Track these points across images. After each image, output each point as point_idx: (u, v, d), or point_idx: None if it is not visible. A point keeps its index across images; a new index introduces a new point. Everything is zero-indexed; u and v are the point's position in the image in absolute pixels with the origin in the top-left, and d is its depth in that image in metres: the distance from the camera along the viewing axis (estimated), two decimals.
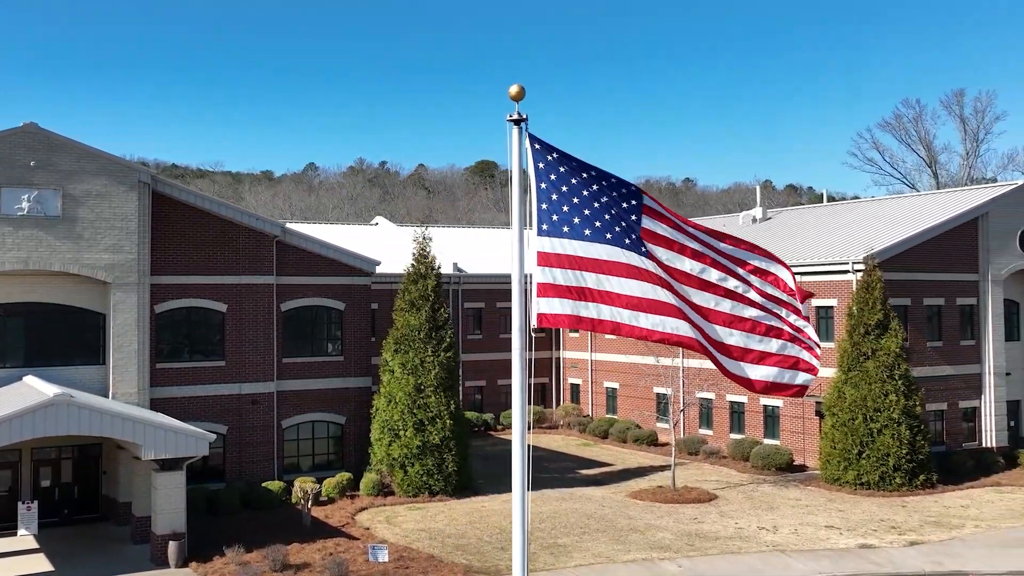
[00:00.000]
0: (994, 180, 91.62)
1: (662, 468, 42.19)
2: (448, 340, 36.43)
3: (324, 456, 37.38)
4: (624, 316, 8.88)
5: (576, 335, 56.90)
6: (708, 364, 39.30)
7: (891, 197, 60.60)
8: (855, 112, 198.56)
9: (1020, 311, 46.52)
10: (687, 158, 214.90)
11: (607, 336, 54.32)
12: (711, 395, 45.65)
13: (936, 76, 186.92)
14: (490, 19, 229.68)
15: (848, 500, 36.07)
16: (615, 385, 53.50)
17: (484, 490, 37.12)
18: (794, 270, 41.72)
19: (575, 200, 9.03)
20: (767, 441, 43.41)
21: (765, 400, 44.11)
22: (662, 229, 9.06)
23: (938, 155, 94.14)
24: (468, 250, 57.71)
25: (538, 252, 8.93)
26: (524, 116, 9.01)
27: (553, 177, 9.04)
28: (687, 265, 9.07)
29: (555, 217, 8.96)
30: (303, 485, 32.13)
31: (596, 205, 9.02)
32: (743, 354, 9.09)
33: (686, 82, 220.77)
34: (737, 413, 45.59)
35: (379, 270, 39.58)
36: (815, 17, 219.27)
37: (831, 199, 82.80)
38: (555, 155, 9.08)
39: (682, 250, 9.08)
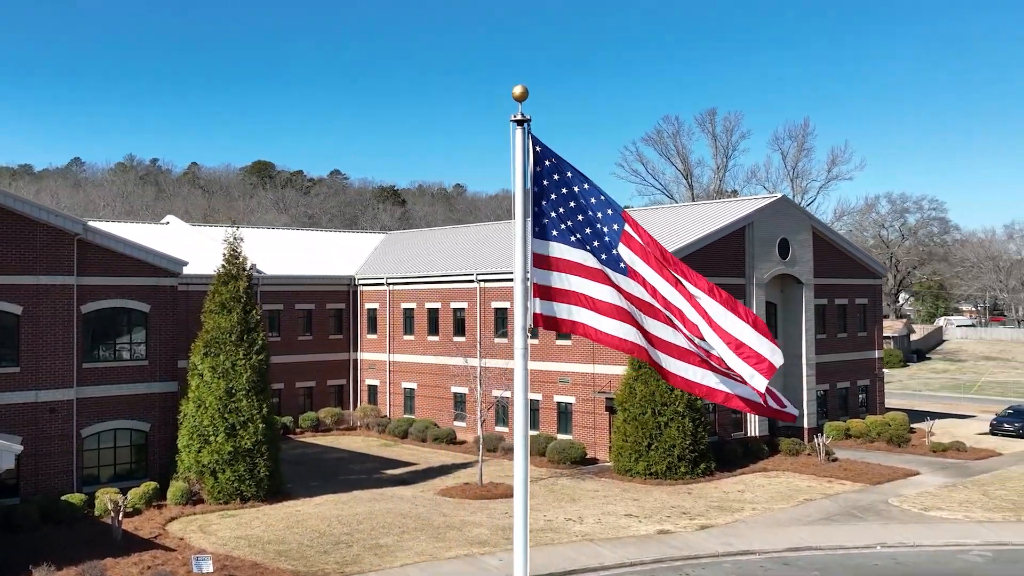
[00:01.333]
0: (735, 193, 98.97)
1: (464, 465, 42.71)
2: (260, 343, 35.33)
3: (127, 465, 35.19)
4: (603, 324, 9.08)
5: (374, 336, 56.47)
6: (505, 363, 40.39)
7: (671, 206, 64.06)
8: (625, 126, 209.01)
9: (778, 312, 50.49)
10: (458, 165, 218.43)
11: (405, 337, 54.30)
12: (508, 393, 46.59)
13: (693, 93, 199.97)
14: (249, 16, 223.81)
15: (640, 489, 37.94)
16: (413, 385, 53.59)
17: (296, 494, 36.27)
18: None
19: (571, 205, 9.14)
20: (561, 436, 44.94)
21: (559, 397, 45.62)
22: (636, 262, 9.19)
23: (693, 168, 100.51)
24: (264, 251, 55.95)
25: (534, 254, 9.02)
26: (528, 117, 8.97)
27: (554, 178, 9.12)
28: (650, 296, 9.18)
29: (545, 221, 9.09)
30: (110, 496, 30.13)
31: (583, 217, 9.16)
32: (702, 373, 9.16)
33: (458, 92, 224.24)
34: (533, 410, 46.86)
35: (185, 271, 37.71)
36: (589, 41, 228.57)
37: None
38: (553, 159, 9.15)
39: (644, 283, 9.19)
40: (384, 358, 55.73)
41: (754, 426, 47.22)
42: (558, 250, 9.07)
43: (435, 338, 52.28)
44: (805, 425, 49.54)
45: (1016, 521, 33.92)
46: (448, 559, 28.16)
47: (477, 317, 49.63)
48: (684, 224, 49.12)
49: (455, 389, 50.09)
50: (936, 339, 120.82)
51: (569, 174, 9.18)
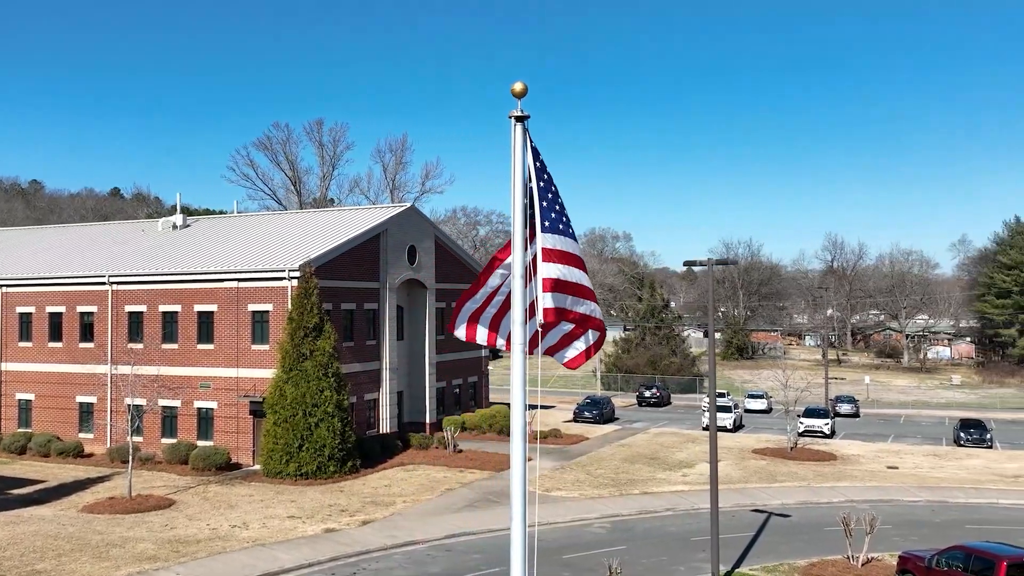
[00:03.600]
0: (333, 202, 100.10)
1: (101, 479, 39.24)
2: None
3: None
4: (594, 311, 9.21)
5: None
6: (142, 370, 37.63)
7: (310, 212, 63.04)
8: (240, 131, 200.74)
9: (404, 315, 52.22)
10: (38, 159, 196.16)
11: (21, 344, 48.09)
12: (143, 401, 43.34)
13: (302, 102, 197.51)
14: None
15: (294, 491, 37.43)
16: (30, 396, 47.63)
17: None
18: (232, 276, 41.74)
19: (561, 200, 9.10)
20: (202, 443, 42.82)
21: (199, 403, 43.39)
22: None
23: (302, 176, 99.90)
24: None
25: (543, 248, 8.74)
26: (527, 114, 8.73)
27: (546, 176, 9.00)
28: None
29: (553, 215, 8.91)
30: None
31: (563, 208, 9.19)
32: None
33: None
34: (169, 417, 44.08)
35: None
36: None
37: (209, 212, 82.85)
38: (541, 158, 9.05)
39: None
40: None
41: (386, 423, 48.46)
42: (565, 244, 9.00)
43: (58, 344, 46.99)
44: (427, 420, 51.82)
45: (620, 496, 38.54)
46: None
47: (109, 321, 45.43)
48: (322, 229, 49.04)
49: (81, 399, 45.48)
50: None
51: (548, 171, 9.15)
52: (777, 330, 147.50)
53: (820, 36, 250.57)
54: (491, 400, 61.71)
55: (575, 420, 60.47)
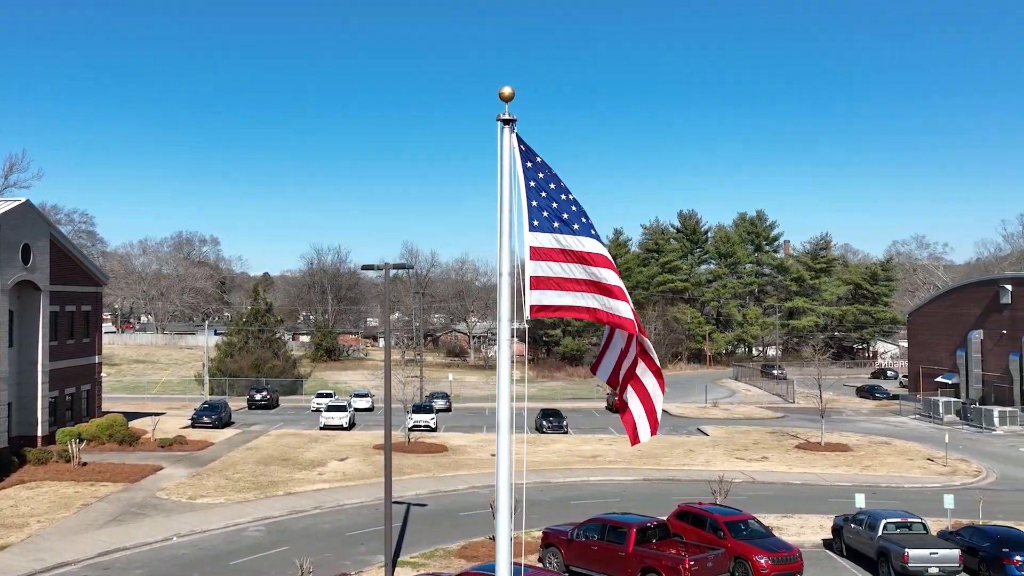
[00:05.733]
0: None
1: None
2: None
3: None
4: (608, 304, 8.94)
5: None
6: None
7: None
8: None
9: (15, 319, 46.58)
10: None
11: None
12: None
13: None
14: None
15: None
16: None
17: None
18: None
19: (563, 198, 8.92)
20: None
21: None
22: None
23: None
24: None
25: (531, 247, 8.67)
26: (514, 117, 8.64)
27: (541, 176, 8.85)
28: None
29: (545, 213, 8.78)
30: None
31: (575, 208, 9.00)
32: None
33: None
34: None
35: None
36: None
37: None
38: (539, 159, 8.91)
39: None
40: None
41: None
42: (563, 241, 8.81)
43: None
44: (39, 433, 46.82)
45: (266, 498, 38.45)
46: None
47: None
48: None
49: None
50: None
51: (550, 172, 8.96)
52: (357, 332, 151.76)
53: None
54: (104, 409, 56.91)
55: (193, 425, 58.01)
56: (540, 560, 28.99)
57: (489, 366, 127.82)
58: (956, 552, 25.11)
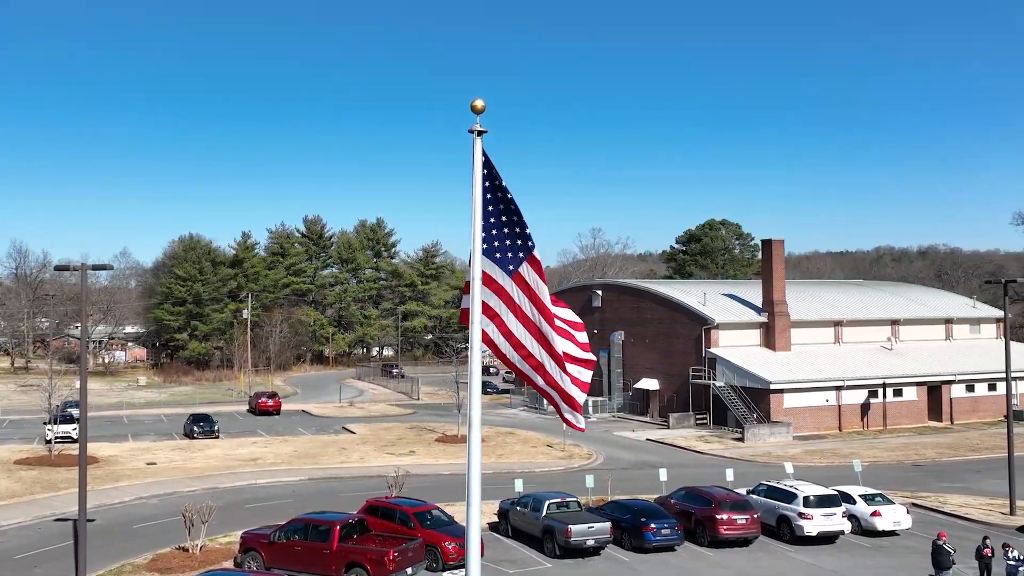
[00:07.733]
0: None
1: None
2: None
3: None
4: (503, 345, 8.78)
5: None
6: None
7: None
8: None
9: None
10: None
11: None
12: None
13: None
14: None
15: None
16: None
17: None
18: None
19: (501, 220, 8.55)
20: None
21: None
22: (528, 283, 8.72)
23: None
24: None
25: (484, 274, 8.47)
26: (484, 129, 8.40)
27: (489, 197, 8.48)
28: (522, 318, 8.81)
29: (493, 238, 8.56)
30: None
31: (505, 231, 8.58)
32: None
33: None
34: None
35: None
36: None
37: None
38: (498, 179, 8.47)
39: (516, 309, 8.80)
40: None
41: None
42: (491, 269, 8.61)
43: None
44: None
45: None
46: None
47: None
48: None
49: None
50: None
51: (500, 195, 8.50)
52: None
53: None
54: None
55: None
56: (238, 565, 28.54)
57: (110, 372, 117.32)
58: (607, 525, 29.46)
